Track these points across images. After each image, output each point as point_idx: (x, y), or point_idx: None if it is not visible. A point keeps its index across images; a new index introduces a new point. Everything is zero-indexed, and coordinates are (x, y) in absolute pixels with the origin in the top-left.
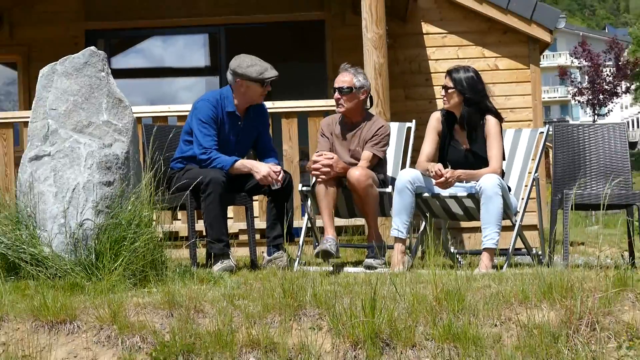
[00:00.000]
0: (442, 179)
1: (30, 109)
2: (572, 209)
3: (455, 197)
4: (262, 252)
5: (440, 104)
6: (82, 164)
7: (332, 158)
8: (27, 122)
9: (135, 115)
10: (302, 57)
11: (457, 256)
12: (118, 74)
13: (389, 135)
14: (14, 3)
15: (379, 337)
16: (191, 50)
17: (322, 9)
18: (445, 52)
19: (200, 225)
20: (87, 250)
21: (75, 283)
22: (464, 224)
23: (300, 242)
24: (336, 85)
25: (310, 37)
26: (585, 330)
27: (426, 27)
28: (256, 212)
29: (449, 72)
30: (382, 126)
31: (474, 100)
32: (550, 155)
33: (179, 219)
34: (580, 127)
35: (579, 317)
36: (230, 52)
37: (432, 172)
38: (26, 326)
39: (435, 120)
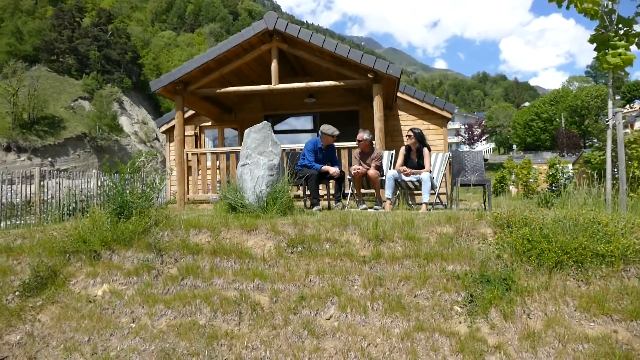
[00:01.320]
0: (405, 172)
1: (238, 146)
2: (460, 185)
3: (411, 181)
4: (332, 203)
5: (403, 143)
6: (261, 168)
7: (359, 169)
8: (238, 151)
9: (282, 147)
10: (349, 125)
11: (411, 205)
12: (276, 132)
13: (382, 156)
14: (236, 104)
15: (378, 238)
16: (304, 122)
17: (358, 105)
18: (407, 122)
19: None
20: (262, 201)
21: (257, 215)
22: (415, 193)
23: (347, 200)
24: (358, 138)
25: (353, 118)
26: (464, 236)
27: (399, 112)
28: (330, 187)
29: (412, 129)
30: (379, 152)
31: (420, 141)
32: (450, 163)
33: (299, 190)
34: (463, 151)
35: (462, 230)
36: (321, 123)
37: (402, 170)
38: (237, 231)
39: (403, 149)
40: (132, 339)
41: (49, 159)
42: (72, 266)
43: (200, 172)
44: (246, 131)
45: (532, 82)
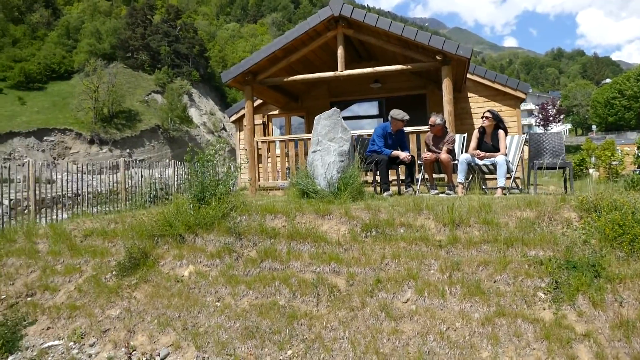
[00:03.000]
0: (480, 156)
1: (307, 133)
2: (538, 169)
3: (485, 165)
4: (402, 188)
5: (473, 127)
6: (332, 154)
7: (428, 155)
8: (308, 138)
9: (351, 133)
10: (415, 109)
11: (485, 190)
12: (344, 118)
13: (454, 140)
14: (303, 92)
15: (454, 222)
16: (369, 108)
17: (425, 89)
18: (477, 105)
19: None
20: (334, 187)
21: (330, 200)
22: (488, 177)
23: (418, 185)
24: (430, 122)
25: (419, 102)
26: (546, 221)
27: (469, 94)
28: (400, 172)
29: (489, 111)
30: (452, 136)
31: (498, 123)
32: (527, 146)
33: (367, 176)
34: (541, 133)
35: (543, 214)
36: (386, 108)
37: (476, 154)
38: (311, 216)
39: (476, 132)
40: (218, 316)
41: (127, 150)
42: (160, 248)
43: (270, 159)
44: (316, 118)
45: (614, 57)
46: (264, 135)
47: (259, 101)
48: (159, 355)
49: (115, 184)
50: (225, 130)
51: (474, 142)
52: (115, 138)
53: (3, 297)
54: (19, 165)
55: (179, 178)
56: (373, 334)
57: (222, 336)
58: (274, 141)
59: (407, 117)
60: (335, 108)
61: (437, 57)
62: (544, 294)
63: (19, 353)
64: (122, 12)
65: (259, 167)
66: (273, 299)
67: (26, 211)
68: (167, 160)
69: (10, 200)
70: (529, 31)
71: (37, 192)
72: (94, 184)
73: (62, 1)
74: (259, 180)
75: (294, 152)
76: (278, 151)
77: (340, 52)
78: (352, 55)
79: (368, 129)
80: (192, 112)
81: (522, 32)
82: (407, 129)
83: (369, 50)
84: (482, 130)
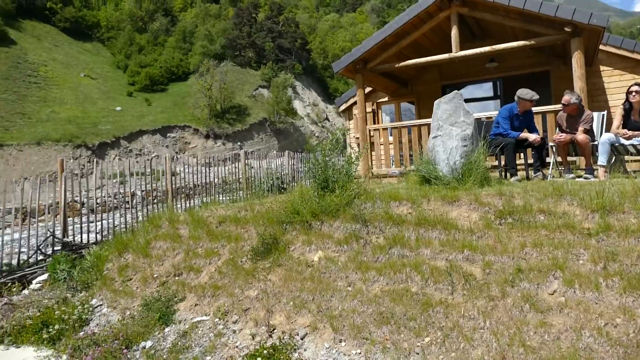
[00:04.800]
0: (627, 136)
1: (418, 119)
2: None
3: (633, 145)
4: (531, 173)
5: (607, 103)
6: (454, 139)
7: (562, 136)
8: (421, 124)
9: (474, 116)
10: (536, 87)
11: (630, 173)
12: None
13: (592, 118)
14: (413, 77)
15: (605, 209)
16: (485, 89)
17: (548, 65)
18: (612, 79)
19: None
20: (457, 173)
21: (453, 187)
22: (634, 159)
23: (550, 169)
24: (563, 101)
25: (541, 79)
26: None
27: (602, 67)
28: (528, 155)
29: (637, 84)
30: (589, 114)
31: None
32: None
33: (486, 160)
34: None
35: None
36: (504, 89)
37: (622, 134)
38: (438, 203)
39: (620, 109)
40: (351, 301)
41: (238, 143)
42: (289, 234)
43: (382, 147)
44: (436, 102)
45: None
46: (374, 123)
47: (368, 89)
48: (297, 334)
49: (235, 174)
50: (328, 120)
51: (617, 120)
52: (228, 132)
53: (155, 275)
54: (156, 158)
55: (293, 168)
56: (517, 326)
57: (357, 320)
58: (386, 128)
59: (536, 96)
60: (455, 91)
61: (566, 29)
62: None
63: (173, 325)
64: (230, 14)
65: (371, 155)
66: (405, 286)
67: (156, 200)
68: (274, 152)
69: (142, 191)
70: None
71: (172, 183)
72: (219, 174)
73: (178, 9)
74: (372, 168)
75: (407, 138)
76: (390, 138)
77: (454, 32)
78: (465, 35)
79: (484, 111)
80: (296, 104)
81: None
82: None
83: (483, 28)
84: (628, 107)
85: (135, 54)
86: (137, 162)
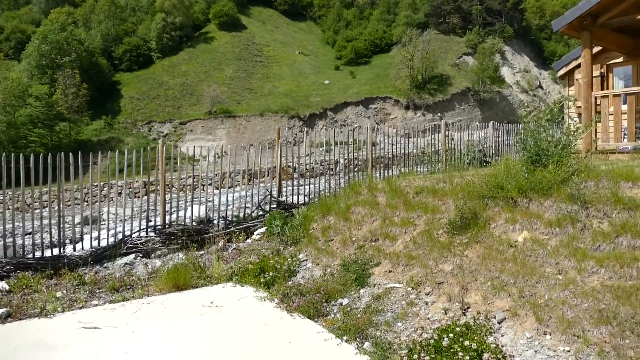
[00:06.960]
0: None
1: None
2: None
3: None
4: None
5: None
6: None
7: None
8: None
9: None
10: None
11: None
12: None
13: None
14: None
15: None
16: None
17: None
18: None
19: None
20: None
21: None
22: None
23: None
24: None
25: None
26: None
27: None
28: None
29: None
30: None
31: None
32: None
33: None
34: None
35: None
36: None
37: None
38: None
39: None
40: (561, 291)
41: (439, 114)
42: (490, 210)
43: (612, 117)
44: None
45: None
46: (602, 89)
47: (596, 49)
48: (494, 317)
49: (434, 146)
50: (542, 88)
51: None
52: (428, 103)
53: (354, 239)
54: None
55: (497, 140)
56: None
57: (567, 313)
58: (618, 95)
59: None
60: None
61: None
62: None
63: (368, 288)
64: None
65: (596, 127)
66: (635, 283)
67: (357, 168)
68: (477, 123)
69: (344, 159)
70: None
71: (372, 153)
72: (417, 145)
73: None
74: (596, 142)
75: None
76: (624, 107)
77: None
78: None
79: None
80: (504, 72)
81: None
82: None
83: None
84: None
85: (343, 29)
86: (341, 132)
